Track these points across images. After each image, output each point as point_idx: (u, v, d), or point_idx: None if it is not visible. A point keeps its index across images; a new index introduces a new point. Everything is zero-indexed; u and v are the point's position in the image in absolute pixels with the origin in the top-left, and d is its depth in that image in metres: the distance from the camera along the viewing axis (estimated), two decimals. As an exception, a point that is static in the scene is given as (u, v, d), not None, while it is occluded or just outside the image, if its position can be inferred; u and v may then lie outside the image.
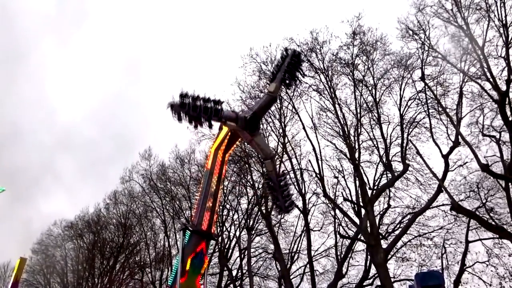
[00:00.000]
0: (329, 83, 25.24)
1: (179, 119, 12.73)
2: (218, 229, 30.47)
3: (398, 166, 23.82)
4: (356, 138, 24.66)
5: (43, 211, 78.08)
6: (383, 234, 24.10)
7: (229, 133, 14.44)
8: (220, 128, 14.85)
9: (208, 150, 28.12)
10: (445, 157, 21.54)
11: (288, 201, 15.60)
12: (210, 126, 13.53)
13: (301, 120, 25.83)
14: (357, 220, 23.34)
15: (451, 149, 21.61)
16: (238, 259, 31.91)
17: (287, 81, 16.24)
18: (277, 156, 27.82)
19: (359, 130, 24.75)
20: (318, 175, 24.81)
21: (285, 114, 26.72)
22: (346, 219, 24.54)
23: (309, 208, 27.24)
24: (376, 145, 24.47)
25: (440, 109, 22.40)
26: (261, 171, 28.29)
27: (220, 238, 30.64)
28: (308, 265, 26.54)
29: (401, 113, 23.76)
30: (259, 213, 27.98)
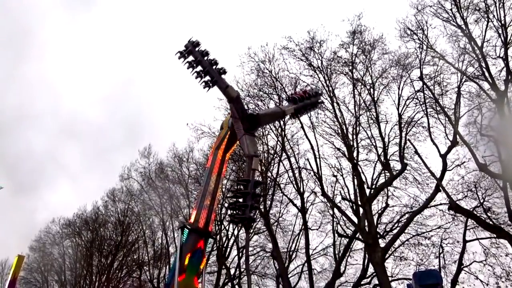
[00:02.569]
0: (327, 82, 25.29)
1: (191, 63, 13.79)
2: (217, 228, 30.48)
3: (396, 165, 23.88)
4: (354, 137, 24.69)
5: (48, 202, 77.53)
6: (381, 233, 24.10)
7: (229, 133, 14.46)
8: (221, 128, 14.92)
9: (208, 149, 28.29)
10: (443, 157, 21.57)
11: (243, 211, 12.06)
12: (212, 83, 13.84)
13: (299, 119, 25.81)
14: (355, 219, 23.35)
15: (449, 149, 21.66)
16: (236, 257, 31.99)
17: (300, 113, 17.13)
18: (275, 155, 27.90)
19: (357, 129, 24.79)
20: (317, 174, 24.82)
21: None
22: (344, 218, 24.57)
23: (307, 207, 27.30)
24: (374, 144, 24.49)
25: (438, 108, 22.45)
26: (260, 170, 28.28)
27: (218, 237, 30.66)
28: (306, 264, 26.58)
29: (399, 112, 23.79)
30: (257, 211, 27.97)
